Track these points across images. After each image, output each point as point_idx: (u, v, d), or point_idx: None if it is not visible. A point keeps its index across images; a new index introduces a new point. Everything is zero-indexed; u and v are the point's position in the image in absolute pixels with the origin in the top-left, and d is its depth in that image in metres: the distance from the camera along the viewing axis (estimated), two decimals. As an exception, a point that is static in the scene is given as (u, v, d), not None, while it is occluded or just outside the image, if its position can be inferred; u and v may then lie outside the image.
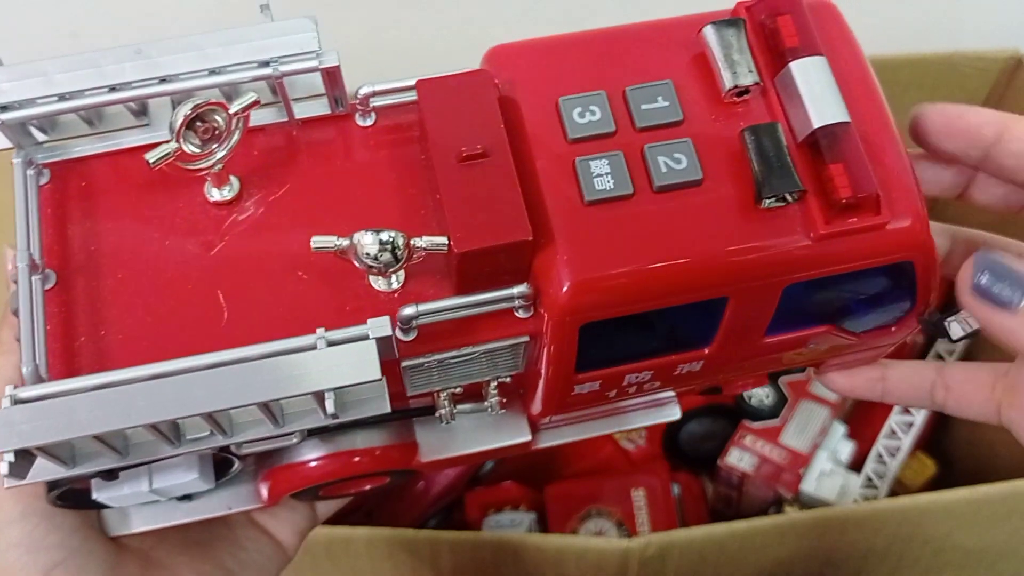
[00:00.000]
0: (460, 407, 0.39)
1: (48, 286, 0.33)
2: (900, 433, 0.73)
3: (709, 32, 0.34)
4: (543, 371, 0.35)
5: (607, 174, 0.32)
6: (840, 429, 0.73)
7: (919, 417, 0.74)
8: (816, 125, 0.32)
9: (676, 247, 0.32)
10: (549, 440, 0.42)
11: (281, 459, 0.38)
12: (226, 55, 0.33)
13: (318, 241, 0.31)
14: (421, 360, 0.34)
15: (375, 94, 0.35)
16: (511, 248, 0.31)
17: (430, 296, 0.33)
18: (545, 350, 0.34)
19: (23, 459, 0.30)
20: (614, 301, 0.32)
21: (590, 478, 0.73)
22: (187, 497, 0.39)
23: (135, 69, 0.33)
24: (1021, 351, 0.33)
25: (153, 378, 0.30)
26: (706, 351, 0.36)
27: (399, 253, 0.31)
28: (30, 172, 0.34)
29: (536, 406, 0.39)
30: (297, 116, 0.35)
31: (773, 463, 0.71)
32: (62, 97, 0.33)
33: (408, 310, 0.32)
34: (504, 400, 0.38)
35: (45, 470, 0.31)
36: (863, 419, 0.75)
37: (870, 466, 0.72)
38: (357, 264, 0.31)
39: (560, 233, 0.31)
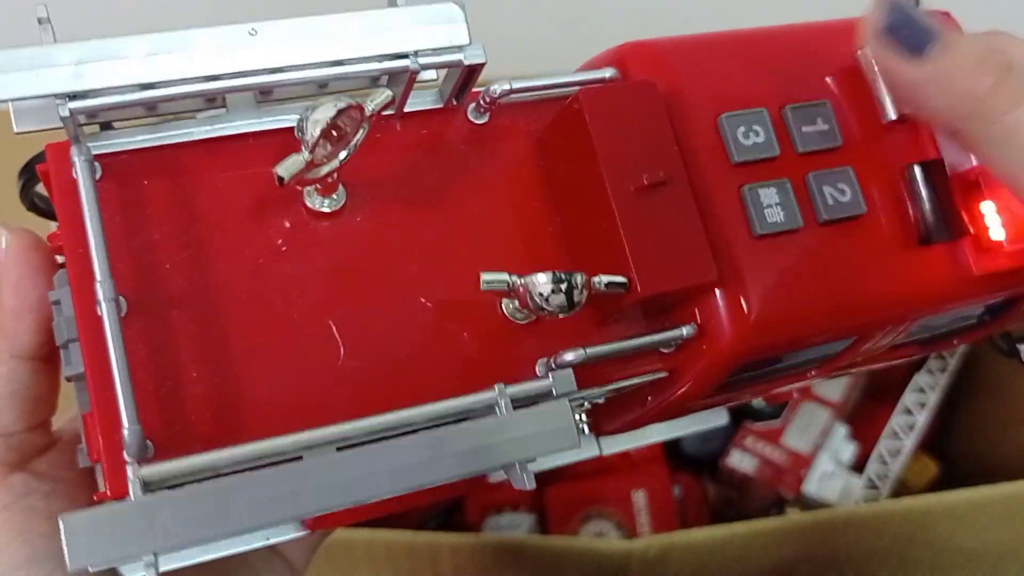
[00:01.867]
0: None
1: (121, 314, 0.26)
2: (902, 434, 0.73)
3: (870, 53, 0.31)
4: (654, 401, 0.32)
5: (776, 204, 0.29)
6: (842, 430, 0.73)
7: (921, 418, 0.74)
8: (976, 162, 0.31)
9: (843, 287, 0.30)
10: (609, 448, 0.37)
11: None
12: (358, 44, 0.27)
13: (489, 278, 0.27)
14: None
15: (511, 92, 0.31)
16: (694, 290, 0.29)
17: (565, 330, 0.30)
18: (682, 387, 0.31)
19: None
20: (780, 342, 0.30)
21: (590, 479, 0.73)
22: None
23: (243, 53, 0.27)
24: (919, 110, 0.30)
25: (311, 446, 0.24)
26: (811, 374, 0.35)
27: (576, 296, 0.27)
28: (87, 173, 0.26)
29: (616, 423, 0.35)
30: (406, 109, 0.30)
31: (775, 464, 0.71)
32: (148, 85, 0.26)
33: (573, 355, 0.28)
34: (589, 423, 0.35)
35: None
36: (865, 420, 0.75)
37: (872, 467, 0.72)
38: (530, 304, 0.27)
39: (730, 269, 0.29)
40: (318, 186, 0.28)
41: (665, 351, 0.31)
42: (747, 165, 0.30)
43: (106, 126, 0.29)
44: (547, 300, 0.26)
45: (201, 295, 0.27)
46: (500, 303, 0.29)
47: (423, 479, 0.25)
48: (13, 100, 0.26)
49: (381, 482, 0.24)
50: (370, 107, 0.27)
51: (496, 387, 0.26)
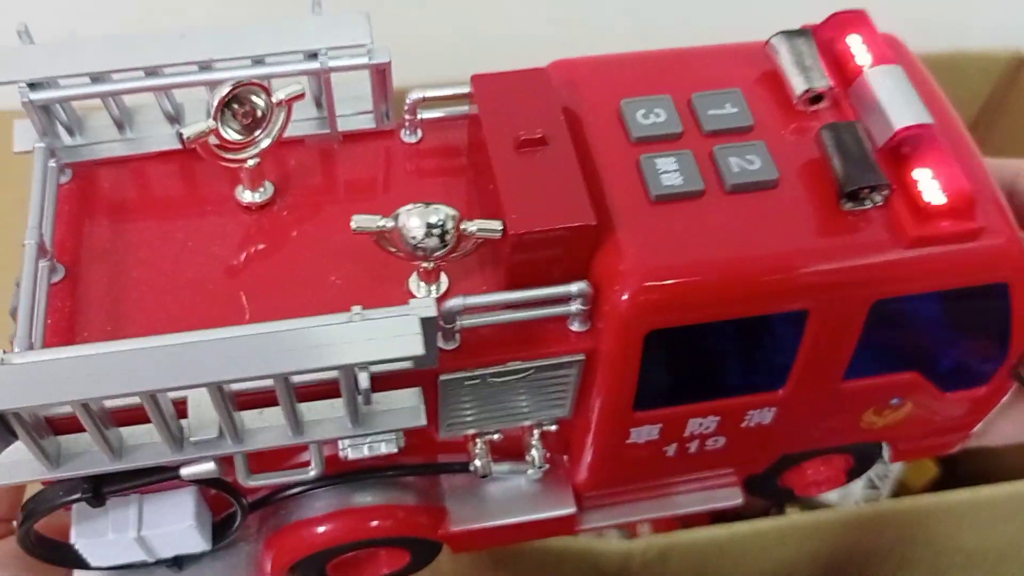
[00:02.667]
0: (498, 467, 0.34)
1: (55, 279, 0.31)
2: (902, 434, 0.73)
3: (778, 42, 0.32)
4: (595, 407, 0.32)
5: (675, 171, 0.30)
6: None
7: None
8: (897, 127, 0.30)
9: (752, 247, 0.29)
10: (596, 520, 0.38)
11: (288, 517, 0.34)
12: (273, 43, 0.31)
13: (360, 220, 0.28)
14: (462, 376, 0.30)
15: (425, 101, 0.33)
16: (571, 237, 0.28)
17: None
18: (601, 374, 0.31)
19: (3, 430, 0.26)
20: (683, 304, 0.29)
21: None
22: (176, 565, 0.34)
23: (174, 52, 0.31)
24: None
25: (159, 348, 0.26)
26: (780, 393, 0.33)
27: (448, 237, 0.28)
28: (52, 164, 0.32)
29: (583, 471, 0.35)
30: (340, 129, 0.34)
31: (775, 464, 0.71)
32: (95, 79, 0.31)
33: (454, 302, 0.28)
34: (548, 455, 0.35)
35: (25, 469, 0.28)
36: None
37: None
38: (400, 252, 0.28)
39: (624, 230, 0.29)
40: (246, 181, 0.32)
41: (579, 330, 0.30)
42: (647, 142, 0.31)
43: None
44: (420, 242, 0.28)
45: (130, 266, 0.31)
46: (408, 283, 0.31)
47: (265, 368, 0.26)
48: None
49: (234, 364, 0.25)
50: (279, 94, 0.30)
51: (353, 308, 0.27)
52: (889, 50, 0.32)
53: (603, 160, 0.30)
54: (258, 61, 0.32)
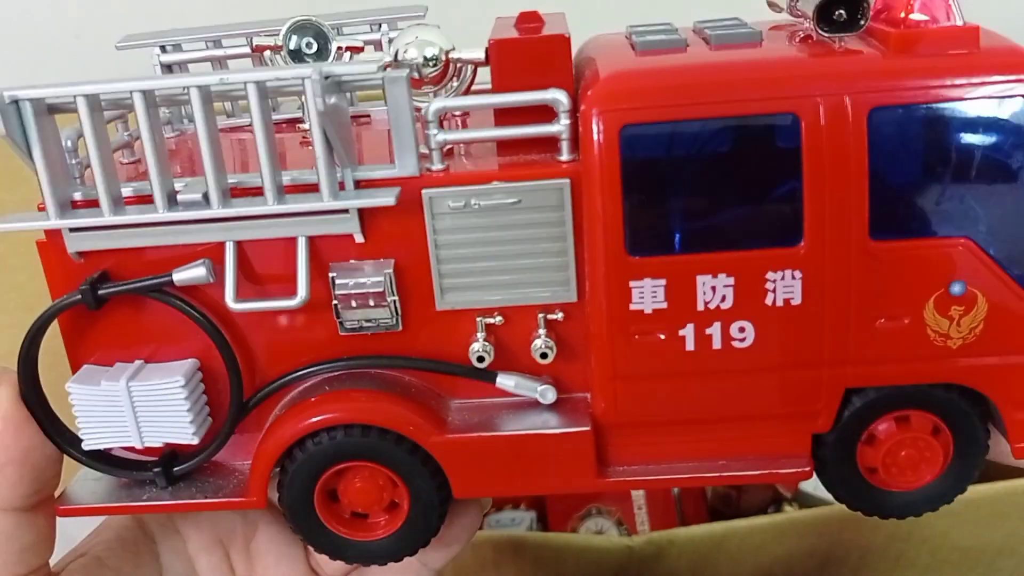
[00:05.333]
0: (504, 379, 0.33)
1: None
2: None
3: None
4: (590, 259, 0.31)
5: (661, 34, 0.32)
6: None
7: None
8: None
9: (728, 61, 0.30)
10: (633, 474, 0.33)
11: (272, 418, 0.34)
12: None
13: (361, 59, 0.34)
14: (446, 194, 0.30)
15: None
16: (548, 44, 0.30)
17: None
18: (587, 203, 0.30)
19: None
20: (657, 97, 0.29)
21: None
22: (166, 477, 0.34)
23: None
24: None
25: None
26: (799, 250, 0.29)
27: (438, 64, 0.32)
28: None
29: (598, 383, 0.32)
30: None
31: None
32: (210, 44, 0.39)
33: (436, 104, 0.31)
34: (556, 353, 0.32)
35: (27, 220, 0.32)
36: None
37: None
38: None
39: (605, 65, 0.30)
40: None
41: (566, 159, 0.31)
42: (647, 51, 0.32)
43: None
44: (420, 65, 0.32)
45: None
46: None
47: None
48: None
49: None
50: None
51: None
52: None
53: (600, 40, 0.33)
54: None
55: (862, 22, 0.29)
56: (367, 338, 0.33)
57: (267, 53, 0.35)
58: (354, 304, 0.32)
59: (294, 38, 0.34)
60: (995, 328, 0.30)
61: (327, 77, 0.29)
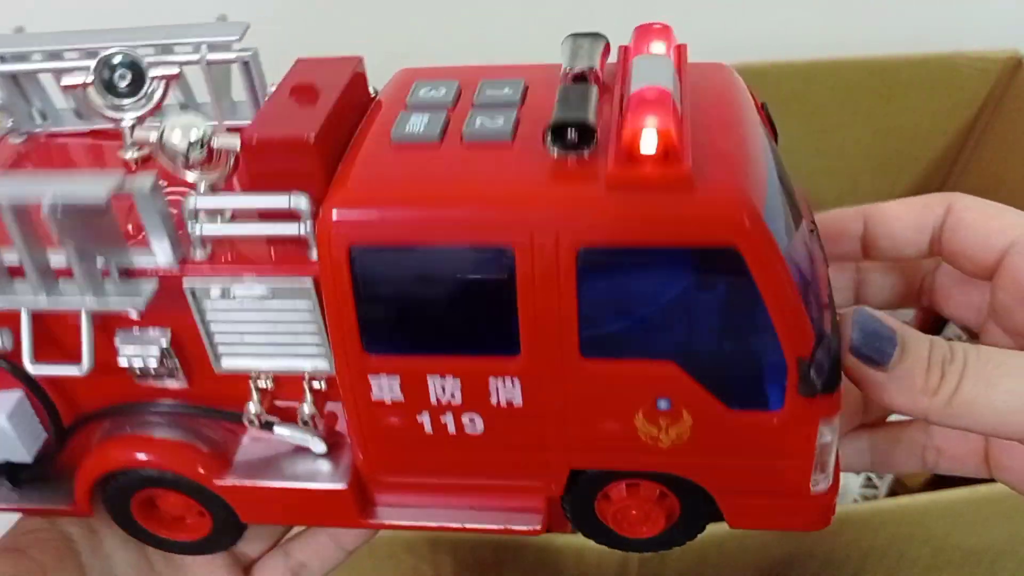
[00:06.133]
0: (279, 430, 0.36)
1: None
2: (900, 433, 0.73)
3: (565, 40, 0.34)
4: (336, 337, 0.32)
5: (423, 123, 0.32)
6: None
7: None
8: (632, 91, 0.30)
9: (458, 181, 0.30)
10: (388, 517, 0.37)
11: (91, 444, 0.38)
12: (163, 36, 0.37)
13: (138, 135, 0.34)
14: (209, 282, 0.33)
15: None
16: (292, 149, 0.30)
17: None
18: (327, 303, 0.32)
19: None
20: (382, 221, 0.30)
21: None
22: (12, 481, 0.39)
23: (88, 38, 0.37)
24: (889, 408, 0.33)
25: None
26: (517, 360, 0.32)
27: (202, 150, 0.32)
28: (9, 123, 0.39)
29: (354, 443, 0.35)
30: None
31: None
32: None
33: (192, 201, 0.32)
34: (321, 417, 0.36)
35: None
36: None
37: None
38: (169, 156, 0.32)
39: (356, 167, 0.31)
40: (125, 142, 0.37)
41: (312, 259, 0.32)
42: (419, 108, 0.33)
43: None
44: (184, 152, 0.32)
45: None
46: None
47: None
48: None
49: None
50: (158, 71, 0.36)
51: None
52: (679, 57, 0.33)
53: (373, 119, 0.33)
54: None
55: (586, 152, 0.30)
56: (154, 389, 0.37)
57: (78, 91, 0.36)
58: (137, 369, 0.35)
59: (106, 71, 0.35)
60: (701, 437, 0.32)
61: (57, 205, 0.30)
